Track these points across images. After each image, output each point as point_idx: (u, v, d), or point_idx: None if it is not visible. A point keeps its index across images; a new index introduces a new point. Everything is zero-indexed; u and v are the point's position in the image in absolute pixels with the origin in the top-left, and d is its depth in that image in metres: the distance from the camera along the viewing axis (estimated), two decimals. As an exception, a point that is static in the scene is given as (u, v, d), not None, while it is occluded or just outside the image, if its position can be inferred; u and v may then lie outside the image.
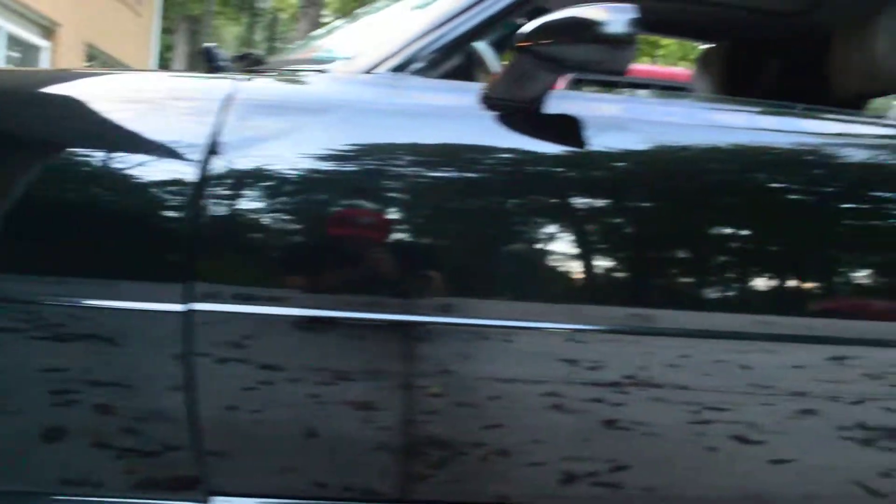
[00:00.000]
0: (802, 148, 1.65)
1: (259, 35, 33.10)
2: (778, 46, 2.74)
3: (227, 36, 32.24)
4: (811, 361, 1.58)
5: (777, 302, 1.57)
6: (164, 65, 22.60)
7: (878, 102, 2.34)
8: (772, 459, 1.62)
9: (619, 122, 1.58)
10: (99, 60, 15.20)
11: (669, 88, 5.43)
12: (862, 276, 1.62)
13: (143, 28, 18.00)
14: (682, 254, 1.57)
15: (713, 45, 2.83)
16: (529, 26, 1.44)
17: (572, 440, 1.55)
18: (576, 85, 6.49)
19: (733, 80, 2.68)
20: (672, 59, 17.39)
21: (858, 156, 1.68)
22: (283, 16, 31.92)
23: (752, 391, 1.57)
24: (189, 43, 22.77)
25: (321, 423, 1.48)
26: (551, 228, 1.50)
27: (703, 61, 2.82)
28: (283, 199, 1.44)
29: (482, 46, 1.67)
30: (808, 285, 1.60)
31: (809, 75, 2.36)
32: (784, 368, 1.58)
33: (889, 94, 2.04)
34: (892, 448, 1.64)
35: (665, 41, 16.05)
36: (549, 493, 1.58)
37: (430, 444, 1.51)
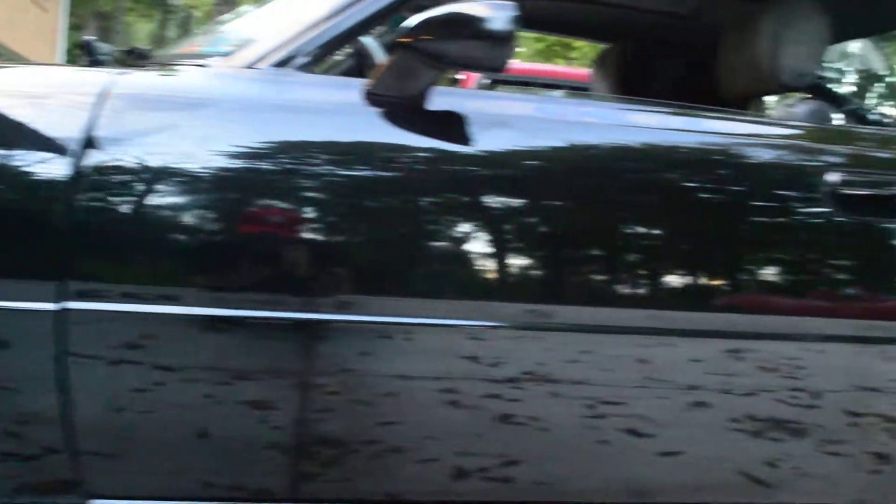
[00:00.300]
0: (688, 146, 1.67)
1: (172, 32, 32.53)
2: (672, 48, 2.79)
3: (139, 33, 31.64)
4: (707, 355, 1.61)
5: (675, 297, 1.59)
6: (73, 62, 22.05)
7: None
8: (661, 452, 1.64)
9: (503, 119, 1.57)
10: (3, 57, 14.77)
11: (574, 89, 5.50)
12: (758, 271, 1.65)
13: (49, 24, 17.56)
14: (580, 250, 1.57)
15: (610, 46, 2.86)
16: (411, 22, 1.44)
17: (466, 436, 1.55)
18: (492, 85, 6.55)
19: (629, 81, 2.72)
20: (586, 60, 17.63)
21: (753, 155, 1.70)
22: (197, 13, 31.43)
23: (647, 385, 1.59)
24: (100, 39, 22.27)
25: (210, 423, 1.46)
26: (445, 225, 1.49)
27: (600, 62, 2.85)
28: (160, 195, 1.40)
29: (370, 42, 1.66)
30: (706, 281, 1.63)
31: (701, 76, 2.39)
32: (680, 362, 1.60)
33: (772, 94, 2.08)
34: (778, 438, 1.67)
35: (578, 43, 16.26)
36: (440, 490, 1.58)
37: (323, 442, 1.50)
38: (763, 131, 1.77)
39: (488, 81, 6.91)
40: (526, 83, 6.84)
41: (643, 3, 2.62)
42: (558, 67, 9.55)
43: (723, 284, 1.63)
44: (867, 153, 1.75)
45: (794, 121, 1.92)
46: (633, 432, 1.61)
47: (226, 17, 2.36)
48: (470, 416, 1.53)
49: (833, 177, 1.64)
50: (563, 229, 1.55)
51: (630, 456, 1.63)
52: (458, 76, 7.55)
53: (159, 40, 30.01)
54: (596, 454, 1.61)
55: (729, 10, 2.37)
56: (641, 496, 1.68)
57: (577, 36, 3.21)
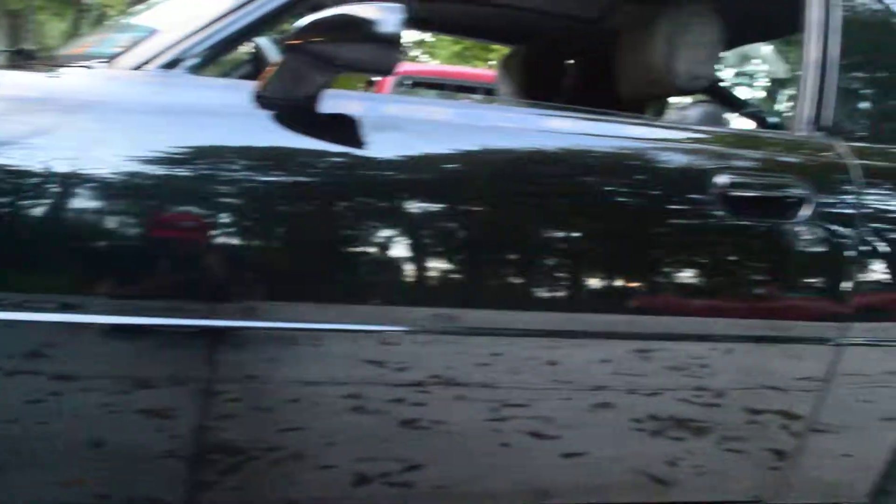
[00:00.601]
0: (577, 150, 1.68)
1: (86, 31, 31.78)
2: (576, 51, 2.81)
3: (51, 32, 30.84)
4: (615, 356, 1.63)
5: (585, 299, 1.61)
6: (-18, 61, 21.35)
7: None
8: (564, 453, 1.65)
9: (396, 122, 1.56)
10: None
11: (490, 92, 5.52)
12: (659, 273, 1.67)
13: (-46, 23, 16.98)
14: (489, 254, 1.57)
15: (515, 48, 2.87)
16: (299, 24, 1.42)
17: (368, 441, 1.54)
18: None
19: (534, 83, 2.73)
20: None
21: (648, 159, 1.72)
22: (112, 12, 30.77)
23: (554, 387, 1.60)
24: (9, 39, 21.64)
25: (106, 433, 1.42)
26: (345, 230, 1.48)
27: (505, 64, 2.86)
28: (44, 200, 1.35)
29: (266, 43, 1.63)
30: (615, 283, 1.64)
31: (604, 79, 2.42)
32: (589, 364, 1.62)
33: (668, 97, 2.11)
34: (679, 437, 1.70)
35: (496, 45, 16.33)
36: (339, 496, 1.57)
37: (222, 450, 1.48)
38: (657, 135, 1.79)
39: (409, 84, 6.91)
40: (442, 85, 6.86)
41: (551, 7, 2.64)
42: (476, 70, 9.61)
43: (627, 286, 1.65)
44: (756, 156, 1.79)
45: (687, 124, 1.94)
46: (537, 434, 1.62)
47: (116, 17, 2.31)
48: (373, 422, 1.53)
49: (722, 179, 1.67)
50: (465, 232, 1.55)
51: (533, 458, 1.64)
52: (373, 79, 7.54)
53: (72, 39, 29.27)
54: (499, 457, 1.62)
55: (628, 13, 2.40)
56: (543, 497, 1.69)
57: (485, 39, 3.22)
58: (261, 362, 1.46)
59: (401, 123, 1.57)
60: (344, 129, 1.52)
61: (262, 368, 1.46)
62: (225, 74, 2.03)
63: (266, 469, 1.51)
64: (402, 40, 1.40)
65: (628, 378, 1.64)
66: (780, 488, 1.82)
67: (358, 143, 1.51)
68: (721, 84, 2.84)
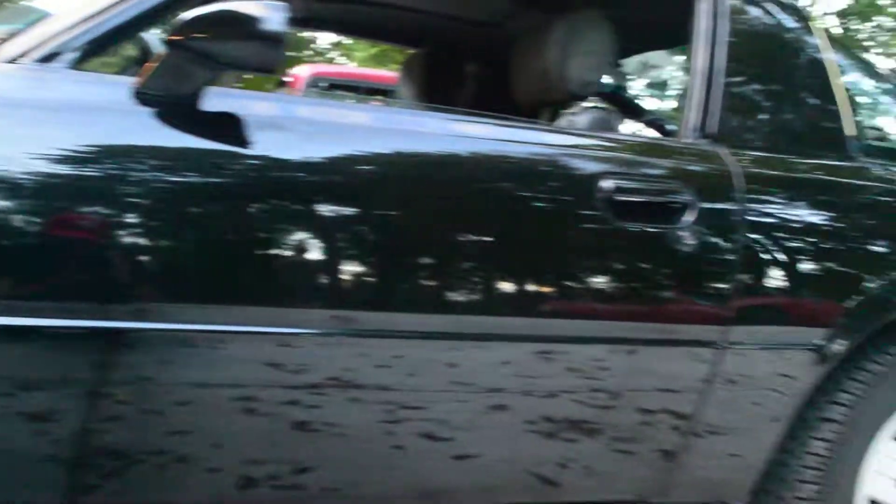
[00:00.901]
0: (492, 155, 1.69)
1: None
2: (477, 55, 2.83)
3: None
4: (515, 359, 1.63)
5: (482, 302, 1.62)
6: None
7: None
8: (457, 455, 1.65)
9: (279, 122, 1.54)
10: None
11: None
12: (557, 278, 1.68)
13: None
14: (390, 257, 1.56)
15: (417, 51, 2.87)
16: (181, 19, 1.39)
17: (258, 444, 1.52)
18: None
19: (434, 87, 2.74)
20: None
21: (547, 164, 1.72)
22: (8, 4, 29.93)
23: (451, 389, 1.60)
24: None
25: None
26: (237, 230, 1.46)
27: (407, 67, 2.86)
28: None
29: (152, 38, 1.60)
30: (511, 287, 1.65)
31: (502, 84, 2.43)
32: (488, 366, 1.62)
33: (561, 103, 2.13)
34: (572, 439, 1.72)
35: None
36: (224, 499, 1.55)
37: (106, 453, 1.44)
38: (547, 140, 1.81)
39: (324, 85, 6.88)
40: (356, 88, 6.84)
41: (451, 11, 2.65)
42: (393, 73, 9.61)
43: (522, 290, 1.65)
44: (642, 162, 1.82)
45: (577, 129, 1.97)
46: (431, 436, 1.62)
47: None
48: (264, 424, 1.51)
49: (608, 184, 1.69)
50: (363, 235, 1.54)
51: (425, 460, 1.64)
52: (285, 79, 7.48)
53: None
54: (391, 459, 1.62)
55: (526, 19, 2.42)
56: (434, 499, 1.69)
57: (386, 41, 3.22)
58: (154, 364, 1.43)
59: (286, 123, 1.54)
60: (228, 127, 1.49)
61: (154, 370, 1.43)
62: (123, 71, 1.98)
63: (150, 472, 1.48)
64: (286, 38, 1.38)
65: (524, 380, 1.65)
66: (663, 488, 1.85)
67: (243, 143, 1.48)
68: (624, 92, 2.88)
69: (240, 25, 1.36)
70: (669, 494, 1.86)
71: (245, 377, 1.48)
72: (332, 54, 17.64)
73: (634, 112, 2.87)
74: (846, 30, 18.30)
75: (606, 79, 2.31)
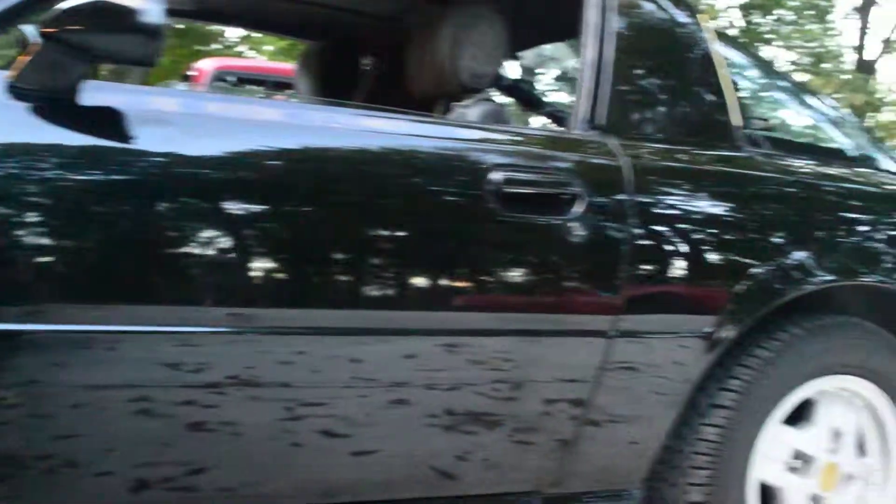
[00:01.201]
0: (382, 149, 1.68)
1: None
2: (374, 49, 2.82)
3: None
4: (419, 353, 1.64)
5: (384, 297, 1.61)
6: None
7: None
8: (354, 451, 1.65)
9: (160, 116, 1.51)
10: None
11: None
12: (453, 271, 1.68)
13: None
14: (290, 253, 1.55)
15: (314, 44, 2.84)
16: (55, 10, 1.35)
17: (151, 446, 1.50)
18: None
19: (332, 80, 2.71)
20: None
21: (438, 158, 1.73)
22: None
23: (353, 385, 1.59)
24: None
25: None
26: (127, 228, 1.43)
27: (304, 59, 2.83)
28: None
29: (29, 29, 1.55)
30: (410, 281, 1.65)
31: (399, 77, 2.43)
32: (390, 361, 1.62)
33: (454, 95, 2.13)
34: (470, 431, 1.72)
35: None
36: (115, 502, 1.52)
37: None
38: (439, 133, 1.81)
39: (233, 80, 6.79)
40: (264, 82, 6.77)
41: (349, 4, 2.63)
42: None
43: (421, 283, 1.66)
44: (532, 153, 1.83)
45: (468, 122, 1.97)
46: (329, 433, 1.61)
47: None
48: (158, 425, 1.49)
49: (498, 176, 1.69)
50: (260, 231, 1.52)
51: (322, 457, 1.64)
52: (189, 73, 7.36)
53: None
54: (288, 457, 1.61)
55: (421, 12, 2.42)
56: (331, 496, 1.68)
57: (283, 34, 3.19)
58: (44, 367, 1.39)
59: (167, 117, 1.51)
60: (108, 123, 1.46)
61: (44, 373, 1.39)
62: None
63: (38, 478, 1.45)
64: (164, 31, 1.36)
65: (421, 374, 1.65)
66: (560, 477, 1.86)
67: (124, 138, 1.45)
68: (524, 84, 2.90)
69: (116, 17, 1.34)
70: (566, 484, 1.88)
71: (140, 378, 1.45)
72: (241, 48, 17.42)
73: (535, 104, 2.89)
74: (749, 23, 18.79)
75: (513, 72, 2.32)
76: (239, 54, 16.14)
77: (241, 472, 1.59)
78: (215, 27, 13.45)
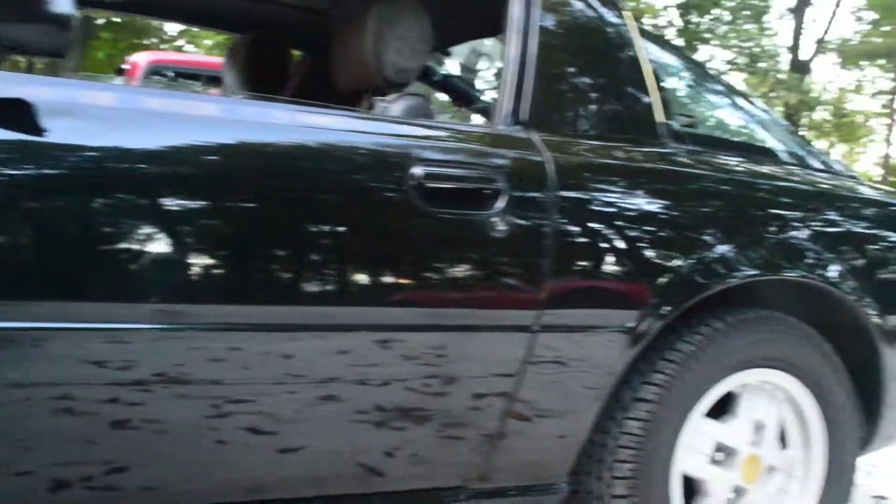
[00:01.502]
0: (305, 144, 1.66)
1: None
2: (301, 43, 2.80)
3: None
4: (349, 348, 1.62)
5: (313, 292, 1.60)
6: None
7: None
8: (280, 448, 1.63)
9: (70, 108, 1.46)
10: None
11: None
12: (387, 266, 1.67)
13: None
14: (221, 248, 1.53)
15: (242, 37, 2.81)
16: None
17: (71, 445, 1.47)
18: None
19: (259, 74, 2.69)
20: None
21: (361, 152, 1.71)
22: None
23: (282, 381, 1.58)
24: None
25: None
26: (52, 222, 1.40)
27: (232, 53, 2.80)
28: None
29: None
30: (341, 276, 1.63)
31: (327, 71, 2.41)
32: (322, 357, 1.61)
33: (378, 90, 2.12)
34: (400, 427, 1.72)
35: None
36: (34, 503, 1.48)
37: None
38: (361, 127, 1.79)
39: (170, 74, 6.71)
40: (197, 76, 6.71)
41: None
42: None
43: (351, 279, 1.64)
44: (454, 147, 1.82)
45: (392, 117, 1.96)
46: (255, 430, 1.59)
47: None
48: (79, 424, 1.46)
49: (419, 170, 1.69)
50: (188, 225, 1.50)
51: (248, 454, 1.62)
52: (122, 66, 7.26)
53: None
54: (213, 455, 1.59)
55: (347, 6, 2.41)
56: (257, 493, 1.66)
57: (210, 27, 3.15)
58: None
59: (77, 109, 1.47)
60: (18, 114, 1.41)
61: None
62: None
63: None
64: (75, 21, 1.33)
65: (360, 369, 1.64)
66: (486, 471, 1.87)
67: (35, 131, 1.41)
68: (454, 79, 2.90)
69: (25, 6, 1.31)
70: (492, 478, 1.88)
71: (63, 375, 1.43)
72: (179, 41, 17.24)
73: (466, 99, 2.89)
74: (687, 23, 19.07)
75: (445, 68, 2.31)
76: (179, 48, 15.98)
77: (164, 470, 1.57)
78: (155, 21, 13.30)
